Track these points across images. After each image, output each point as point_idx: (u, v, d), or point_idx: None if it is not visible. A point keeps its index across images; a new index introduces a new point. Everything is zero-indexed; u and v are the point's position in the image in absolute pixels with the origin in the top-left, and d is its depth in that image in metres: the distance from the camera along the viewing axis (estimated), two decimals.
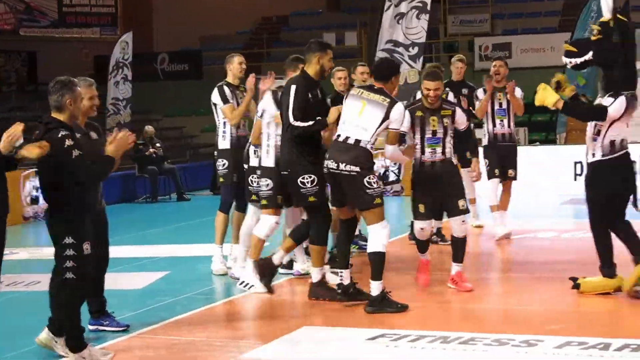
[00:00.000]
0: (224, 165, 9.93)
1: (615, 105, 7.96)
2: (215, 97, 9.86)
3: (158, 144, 19.45)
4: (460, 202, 8.50)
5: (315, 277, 8.46)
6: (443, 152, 8.55)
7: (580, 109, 8.35)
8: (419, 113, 8.55)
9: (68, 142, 6.42)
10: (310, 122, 8.14)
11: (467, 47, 26.67)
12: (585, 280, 8.26)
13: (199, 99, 27.33)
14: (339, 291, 8.23)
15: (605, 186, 8.09)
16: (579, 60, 8.33)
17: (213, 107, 9.95)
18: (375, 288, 7.91)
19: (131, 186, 19.34)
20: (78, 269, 6.54)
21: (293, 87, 8.22)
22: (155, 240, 12.94)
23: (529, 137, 20.37)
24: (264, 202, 8.90)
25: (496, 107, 11.58)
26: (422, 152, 8.57)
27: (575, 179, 16.81)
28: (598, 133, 8.08)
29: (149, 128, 19.64)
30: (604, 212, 8.16)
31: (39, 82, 29.27)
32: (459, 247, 8.66)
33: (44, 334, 6.83)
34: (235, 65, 10.01)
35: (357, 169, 7.86)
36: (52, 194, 6.64)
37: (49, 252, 6.99)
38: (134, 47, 23.21)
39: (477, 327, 7.23)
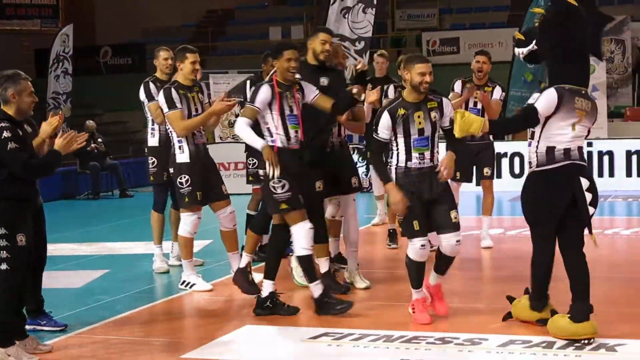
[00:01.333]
0: (153, 164, 9.80)
1: (541, 101, 6.70)
2: (141, 94, 9.70)
3: (100, 140, 19.29)
4: (453, 214, 7.32)
5: (243, 262, 8.40)
6: (432, 158, 7.30)
7: (509, 121, 7.37)
8: (401, 111, 7.25)
9: (5, 134, 6.52)
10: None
11: (414, 42, 26.82)
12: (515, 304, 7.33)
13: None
14: (257, 303, 7.90)
15: (536, 203, 6.85)
16: (524, 50, 7.24)
17: (142, 104, 9.82)
18: (313, 291, 7.78)
19: (73, 182, 19.16)
20: (11, 260, 6.53)
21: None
22: (96, 238, 12.82)
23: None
24: (186, 199, 8.74)
25: (470, 105, 10.62)
26: (409, 159, 7.30)
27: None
28: (532, 136, 6.87)
29: (90, 123, 19.45)
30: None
31: None
32: (446, 262, 7.51)
33: None
34: (160, 61, 9.71)
35: (263, 171, 7.82)
36: None
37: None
38: (75, 40, 23.02)
39: (421, 326, 7.26)
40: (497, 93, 10.66)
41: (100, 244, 12.27)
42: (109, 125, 25.69)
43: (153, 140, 9.82)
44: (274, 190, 7.60)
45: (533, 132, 6.79)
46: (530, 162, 6.87)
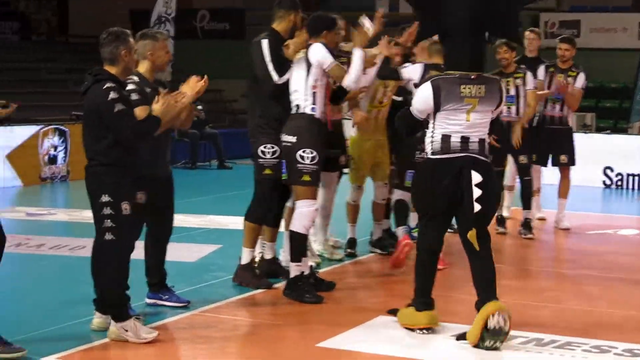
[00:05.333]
0: None
1: (415, 98, 6.79)
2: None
3: (200, 107, 19.20)
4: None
5: (245, 258, 8.22)
6: None
7: (400, 117, 7.05)
8: None
9: (112, 95, 6.32)
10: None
11: (530, 22, 26.25)
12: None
13: (240, 61, 27.26)
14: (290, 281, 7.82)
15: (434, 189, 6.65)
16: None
17: None
18: (291, 271, 7.74)
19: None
20: (117, 229, 6.36)
21: (265, 43, 7.96)
22: (201, 210, 12.73)
23: (597, 124, 19.99)
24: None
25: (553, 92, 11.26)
26: None
27: None
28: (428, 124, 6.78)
29: None
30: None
31: (69, 34, 29.18)
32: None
33: (97, 319, 6.64)
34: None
35: (293, 139, 7.68)
36: (90, 148, 6.47)
37: (88, 215, 6.77)
38: None
39: (573, 332, 7.01)
40: (580, 81, 11.17)
41: (207, 217, 12.18)
42: (205, 94, 25.62)
43: None
44: (300, 160, 7.60)
45: (428, 122, 6.71)
46: (425, 150, 6.77)
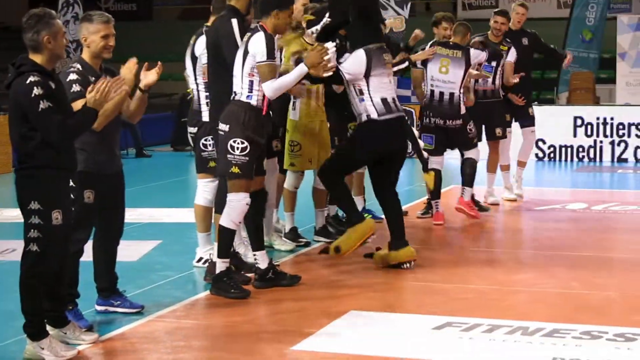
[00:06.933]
0: None
1: (349, 62, 8.18)
2: None
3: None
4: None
5: (219, 268, 7.62)
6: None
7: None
8: None
9: (36, 91, 5.69)
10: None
11: None
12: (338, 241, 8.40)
13: (150, 43, 26.69)
14: (256, 277, 7.67)
15: (376, 146, 8.19)
16: (318, 26, 8.61)
17: None
18: (217, 267, 7.44)
19: None
20: (43, 240, 5.81)
21: (234, 22, 7.62)
22: (128, 203, 12.15)
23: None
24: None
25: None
26: None
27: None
28: (361, 92, 8.18)
29: None
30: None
31: None
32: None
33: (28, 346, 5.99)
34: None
35: (226, 127, 7.36)
36: (18, 148, 5.94)
37: (13, 214, 6.24)
38: None
39: (558, 318, 6.77)
40: (512, 55, 11.35)
41: (137, 210, 11.62)
42: (137, 77, 24.93)
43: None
44: (230, 150, 7.30)
45: (360, 89, 8.15)
46: (366, 114, 8.16)
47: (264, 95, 7.38)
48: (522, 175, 12.30)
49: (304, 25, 8.90)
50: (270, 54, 7.31)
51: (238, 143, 7.29)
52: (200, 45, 8.13)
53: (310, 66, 7.45)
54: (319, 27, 8.65)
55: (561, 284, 7.82)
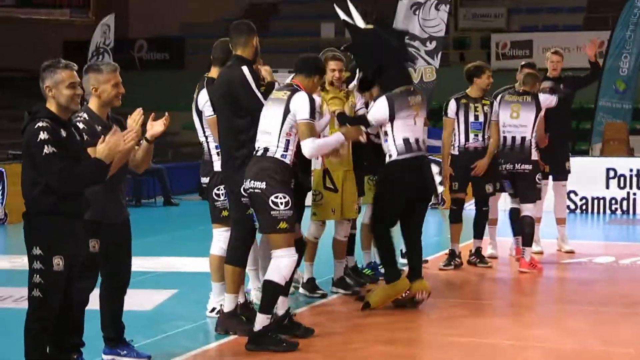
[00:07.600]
0: None
1: (372, 110, 8.62)
2: None
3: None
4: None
5: (228, 305, 7.77)
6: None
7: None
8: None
9: (42, 135, 5.71)
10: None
11: (479, 43, 26.20)
12: (370, 295, 8.71)
13: (181, 91, 26.83)
14: (272, 320, 7.45)
15: (400, 186, 8.54)
16: (355, 81, 9.31)
17: None
18: (258, 322, 7.28)
19: None
20: (44, 286, 5.82)
21: (246, 70, 7.56)
22: (150, 252, 12.19)
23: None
24: None
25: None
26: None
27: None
28: (386, 133, 8.60)
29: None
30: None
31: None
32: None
33: None
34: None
35: (262, 185, 7.26)
36: (26, 194, 5.95)
37: None
38: None
39: None
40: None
41: (157, 259, 11.66)
42: (143, 126, 25.11)
43: None
44: (273, 206, 7.17)
45: (386, 131, 8.55)
46: (389, 154, 8.57)
47: (294, 153, 7.40)
48: (565, 232, 12.06)
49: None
50: (312, 114, 7.35)
51: (280, 198, 7.21)
52: (202, 98, 8.15)
53: (347, 137, 8.04)
54: (355, 81, 9.27)
55: (579, 341, 7.67)
